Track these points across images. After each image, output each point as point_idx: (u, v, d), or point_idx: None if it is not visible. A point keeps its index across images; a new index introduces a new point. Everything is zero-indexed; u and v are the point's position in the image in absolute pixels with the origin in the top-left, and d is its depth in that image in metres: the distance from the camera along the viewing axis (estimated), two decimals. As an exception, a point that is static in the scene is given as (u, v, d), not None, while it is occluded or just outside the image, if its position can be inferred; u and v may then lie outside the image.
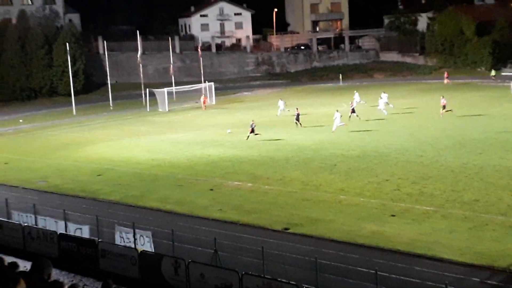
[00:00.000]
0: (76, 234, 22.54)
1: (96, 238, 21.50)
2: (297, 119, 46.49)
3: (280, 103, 55.75)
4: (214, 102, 68.69)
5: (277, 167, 33.51)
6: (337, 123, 43.23)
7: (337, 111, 44.04)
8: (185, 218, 25.40)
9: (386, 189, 27.52)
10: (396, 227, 22.57)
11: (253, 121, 43.31)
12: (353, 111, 47.82)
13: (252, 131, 42.19)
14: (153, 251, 20.50)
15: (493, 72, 76.80)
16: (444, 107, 47.56)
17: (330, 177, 30.47)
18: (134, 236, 21.26)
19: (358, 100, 55.84)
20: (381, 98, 52.31)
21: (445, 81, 74.82)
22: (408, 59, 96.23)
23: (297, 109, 48.00)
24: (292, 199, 27.09)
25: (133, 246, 20.88)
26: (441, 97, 49.20)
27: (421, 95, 64.08)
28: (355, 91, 58.75)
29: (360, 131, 43.41)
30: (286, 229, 23.20)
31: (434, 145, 36.66)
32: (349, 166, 32.51)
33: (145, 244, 20.95)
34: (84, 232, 22.76)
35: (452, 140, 37.69)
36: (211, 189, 29.53)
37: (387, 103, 51.94)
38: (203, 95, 64.70)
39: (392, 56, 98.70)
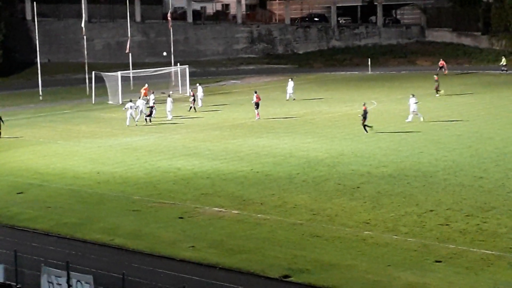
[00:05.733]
0: (-16, 277, 22.39)
1: (14, 283, 21.39)
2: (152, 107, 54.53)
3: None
4: (188, 93, 68.71)
5: (275, 188, 33.50)
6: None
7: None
8: (142, 258, 25.34)
9: (430, 224, 27.55)
10: (442, 278, 22.57)
11: (364, 104, 45.69)
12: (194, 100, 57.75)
13: (364, 118, 45.61)
14: (95, 303, 20.42)
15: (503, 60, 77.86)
16: (257, 105, 53.04)
17: (350, 204, 30.50)
18: (68, 281, 21.18)
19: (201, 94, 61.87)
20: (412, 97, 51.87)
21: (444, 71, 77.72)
22: (466, 40, 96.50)
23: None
24: (295, 234, 27.07)
25: (66, 295, 20.77)
26: (254, 92, 54.15)
27: (483, 92, 64.25)
28: (198, 84, 63.24)
29: (395, 138, 43.53)
30: (286, 276, 23.17)
31: (500, 163, 36.74)
32: (378, 190, 32.54)
33: (84, 293, 20.84)
34: (-3, 273, 22.65)
35: (526, 157, 37.90)
36: (181, 217, 29.52)
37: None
38: (146, 84, 64.42)
39: (444, 35, 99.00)
